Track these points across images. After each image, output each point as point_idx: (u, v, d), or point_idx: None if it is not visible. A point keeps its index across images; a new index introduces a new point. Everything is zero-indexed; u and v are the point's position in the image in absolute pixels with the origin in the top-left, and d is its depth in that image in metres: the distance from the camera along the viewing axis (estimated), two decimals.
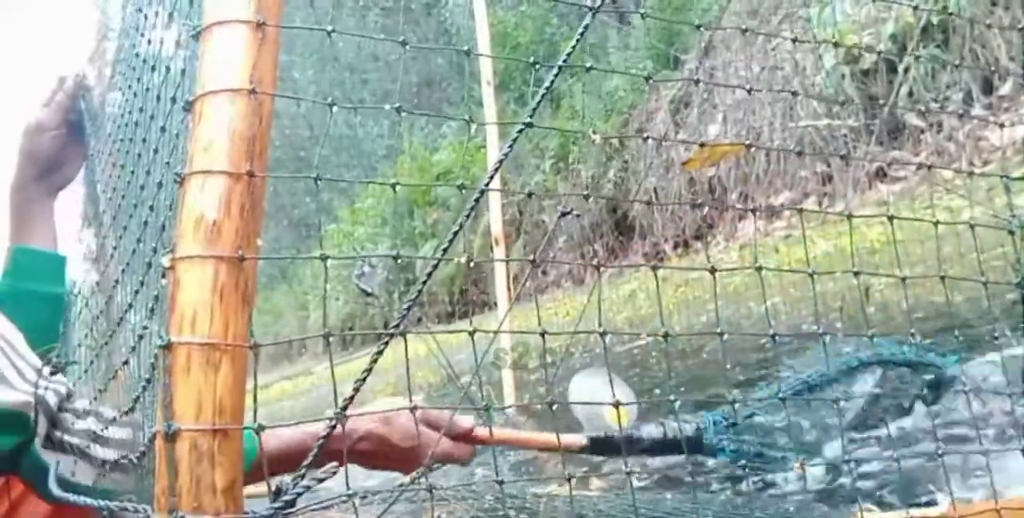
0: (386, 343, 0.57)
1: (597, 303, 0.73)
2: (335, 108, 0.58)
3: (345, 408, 0.54)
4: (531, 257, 0.68)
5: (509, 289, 3.27)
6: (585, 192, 0.85)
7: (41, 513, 0.79)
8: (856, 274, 0.84)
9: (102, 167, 1.07)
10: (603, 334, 0.66)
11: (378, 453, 1.00)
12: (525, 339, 4.19)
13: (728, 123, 6.86)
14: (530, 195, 0.72)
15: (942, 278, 0.90)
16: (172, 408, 0.45)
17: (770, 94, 6.16)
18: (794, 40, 1.10)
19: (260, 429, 0.49)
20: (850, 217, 0.86)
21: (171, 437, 0.45)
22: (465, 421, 1.08)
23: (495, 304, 3.47)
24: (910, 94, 5.53)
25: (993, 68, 5.18)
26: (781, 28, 6.59)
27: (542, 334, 0.66)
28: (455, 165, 10.51)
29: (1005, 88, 5.15)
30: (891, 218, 0.88)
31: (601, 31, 8.89)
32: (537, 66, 0.69)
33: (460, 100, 11.98)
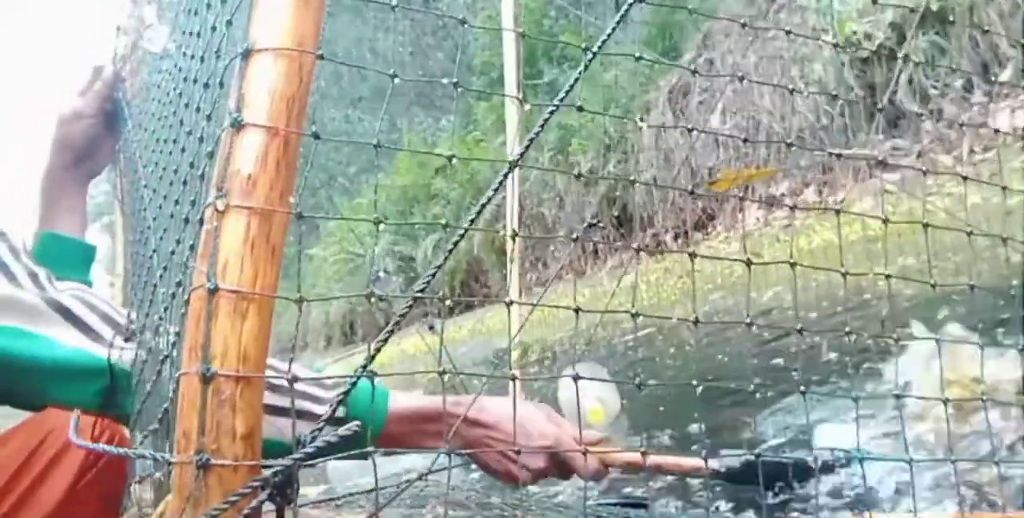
0: (397, 323, 0.57)
1: (634, 286, 0.75)
2: (396, 80, 0.59)
3: (369, 364, 0.55)
4: (574, 235, 0.69)
5: (520, 288, 3.27)
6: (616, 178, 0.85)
7: (50, 504, 0.79)
8: (887, 277, 0.86)
9: (139, 150, 1.07)
10: (635, 315, 0.69)
11: (496, 437, 0.92)
12: (526, 338, 4.21)
13: (727, 113, 6.84)
14: (578, 176, 0.72)
15: (971, 287, 0.94)
16: (209, 350, 0.46)
17: (769, 83, 6.13)
18: (822, 43, 1.09)
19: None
20: (886, 222, 0.87)
21: (208, 379, 0.46)
22: (592, 435, 1.02)
23: (497, 296, 3.47)
24: (910, 81, 5.52)
25: (993, 54, 5.16)
26: (779, 17, 6.57)
27: (576, 310, 0.67)
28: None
29: (1005, 75, 5.13)
30: (925, 226, 0.88)
31: (602, 24, 8.86)
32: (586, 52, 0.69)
33: (460, 92, 11.93)
